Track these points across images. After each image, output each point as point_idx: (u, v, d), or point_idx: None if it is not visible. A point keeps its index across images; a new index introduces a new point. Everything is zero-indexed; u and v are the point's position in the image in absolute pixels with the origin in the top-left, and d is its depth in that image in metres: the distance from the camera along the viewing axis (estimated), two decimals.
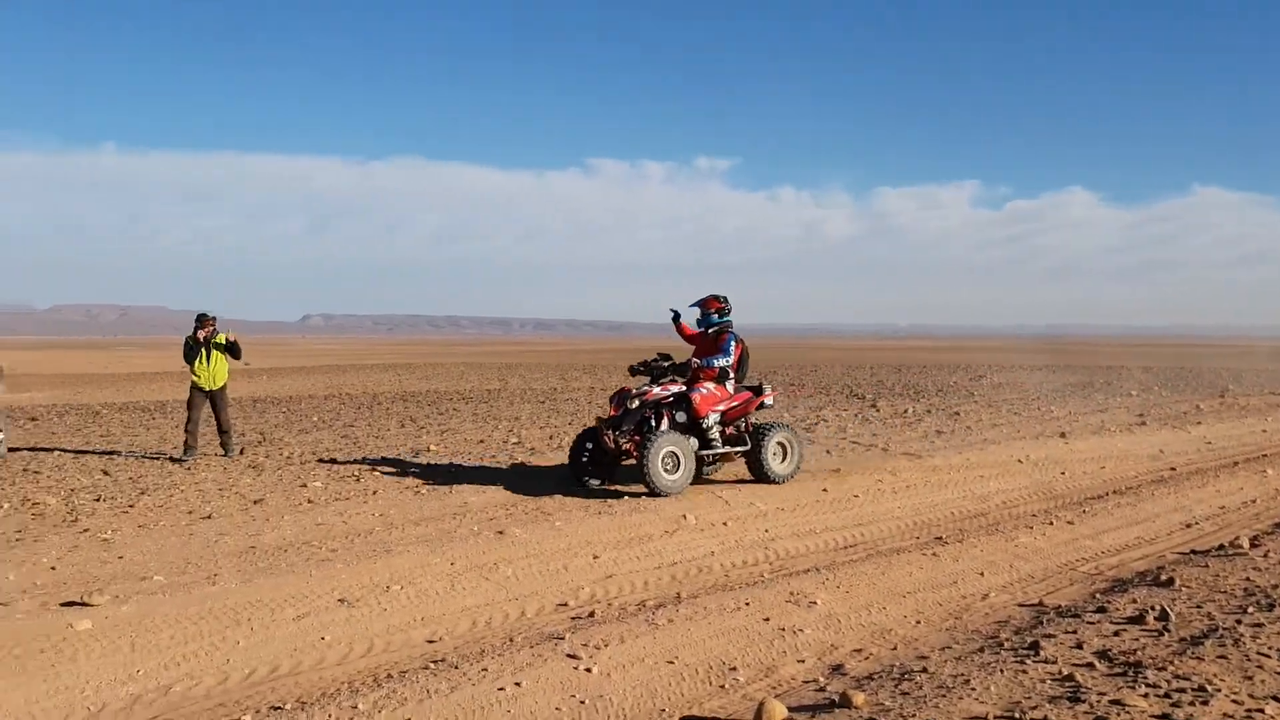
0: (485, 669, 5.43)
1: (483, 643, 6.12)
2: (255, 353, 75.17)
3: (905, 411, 20.51)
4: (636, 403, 10.99)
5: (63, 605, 6.44)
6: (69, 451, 14.37)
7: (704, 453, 11.21)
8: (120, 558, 7.76)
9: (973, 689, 4.97)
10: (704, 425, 11.14)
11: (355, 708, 4.92)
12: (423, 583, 7.24)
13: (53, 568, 7.46)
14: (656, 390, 11.11)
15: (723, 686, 5.35)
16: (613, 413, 11.10)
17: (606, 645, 5.81)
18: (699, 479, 11.43)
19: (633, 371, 11.80)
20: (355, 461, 13.18)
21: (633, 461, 10.89)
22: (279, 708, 5.05)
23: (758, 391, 11.83)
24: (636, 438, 10.80)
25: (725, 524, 9.31)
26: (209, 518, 9.33)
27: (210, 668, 5.64)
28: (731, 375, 11.57)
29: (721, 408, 11.38)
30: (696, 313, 11.78)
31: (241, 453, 13.88)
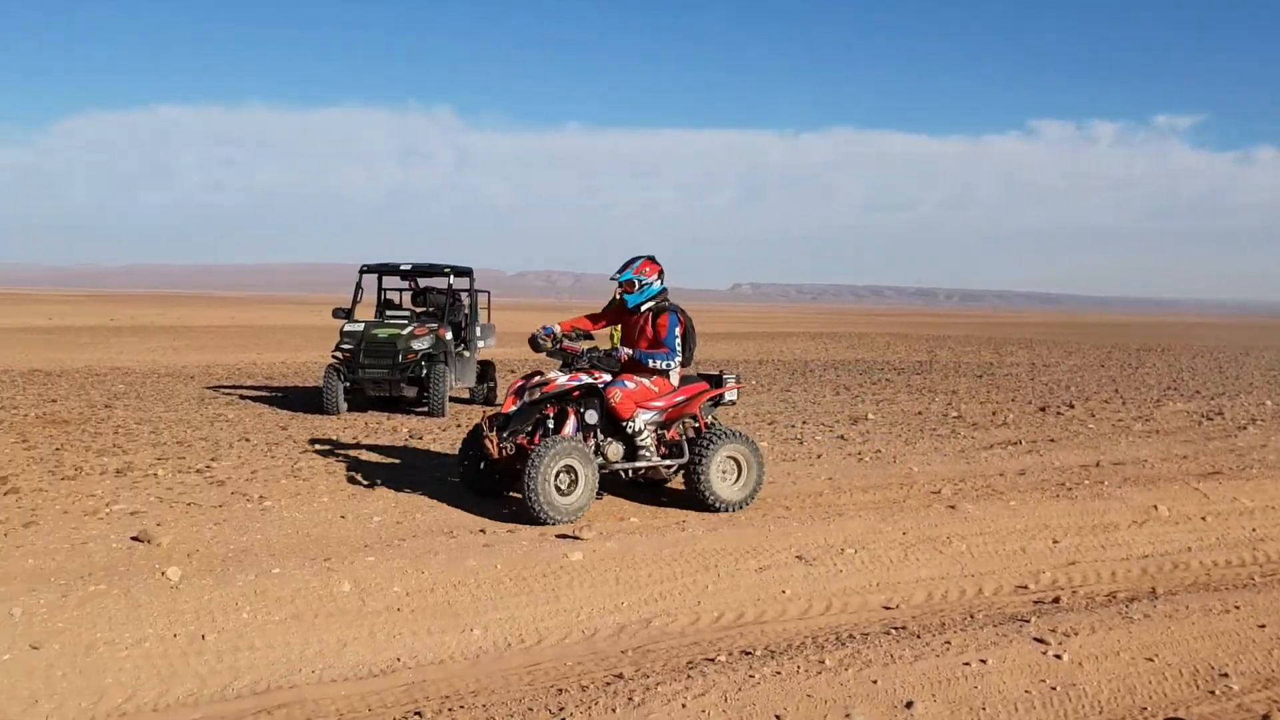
0: (948, 642, 5.38)
1: (941, 615, 6.08)
2: None
3: None
4: (538, 394, 8.23)
5: (557, 537, 7.24)
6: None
7: (623, 466, 8.39)
8: (599, 498, 8.57)
9: None
10: (629, 430, 8.33)
11: (822, 662, 5.09)
12: (875, 548, 7.30)
13: None
14: (561, 380, 8.26)
15: (1212, 692, 4.92)
16: (508, 406, 8.25)
17: (1076, 634, 5.52)
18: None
19: (537, 347, 8.65)
20: (795, 425, 13.53)
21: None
22: (749, 653, 5.33)
23: (716, 382, 8.93)
24: (533, 442, 8.12)
25: (1203, 519, 8.47)
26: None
27: (683, 607, 6.10)
28: (675, 364, 8.55)
29: (661, 404, 8.47)
30: (617, 288, 8.73)
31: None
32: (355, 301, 15.08)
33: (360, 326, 14.39)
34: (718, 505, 8.28)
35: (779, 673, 4.96)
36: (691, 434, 8.72)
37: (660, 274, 8.63)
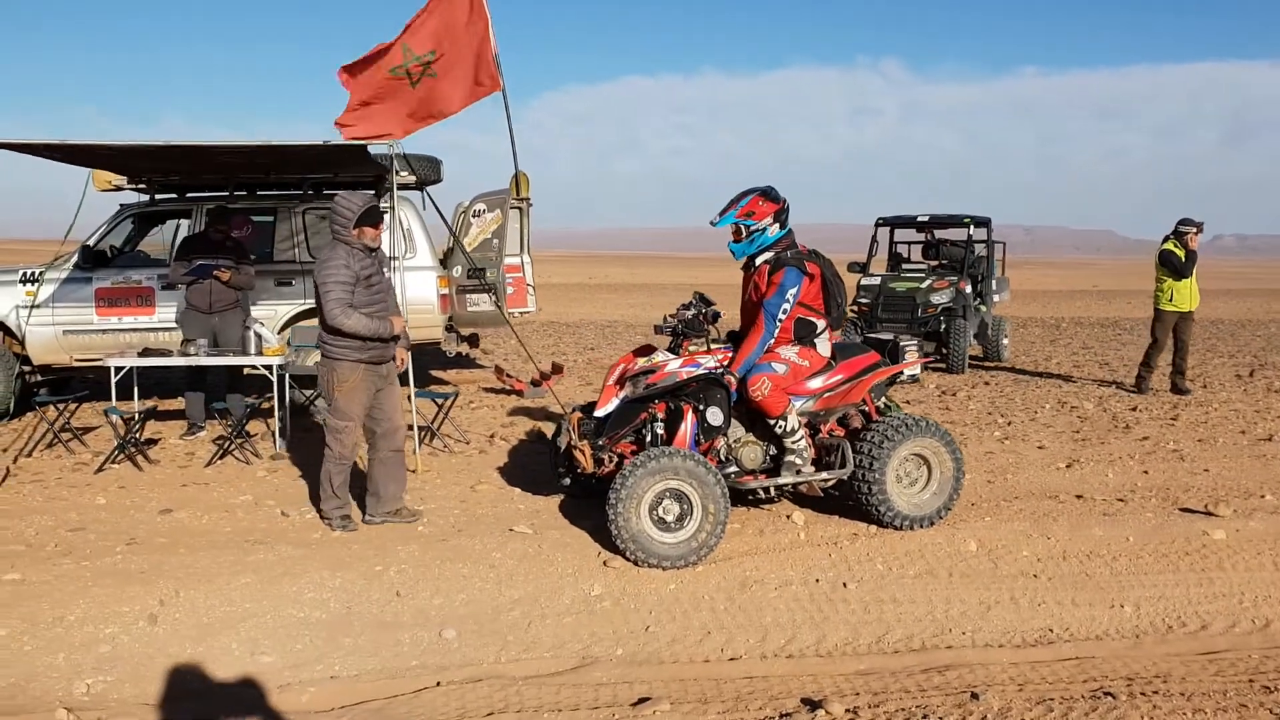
0: None
1: None
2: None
3: None
4: (641, 389, 6.01)
5: (1183, 511, 6.52)
6: (1036, 372, 14.97)
7: (761, 484, 6.03)
8: (1206, 470, 7.67)
9: None
10: (779, 429, 5.93)
11: None
12: None
13: (1145, 471, 7.65)
14: (672, 366, 5.97)
15: None
16: (604, 401, 6.14)
17: None
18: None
19: (658, 329, 6.48)
20: None
21: None
22: None
23: (891, 353, 6.31)
24: (629, 451, 6.03)
25: None
26: (1270, 439, 8.81)
27: None
28: (821, 329, 6.08)
29: (817, 386, 6.08)
30: (728, 234, 6.17)
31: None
32: (870, 255, 14.89)
33: (877, 280, 14.20)
34: (895, 521, 6.04)
35: None
36: (857, 424, 6.36)
37: (779, 215, 6.06)
